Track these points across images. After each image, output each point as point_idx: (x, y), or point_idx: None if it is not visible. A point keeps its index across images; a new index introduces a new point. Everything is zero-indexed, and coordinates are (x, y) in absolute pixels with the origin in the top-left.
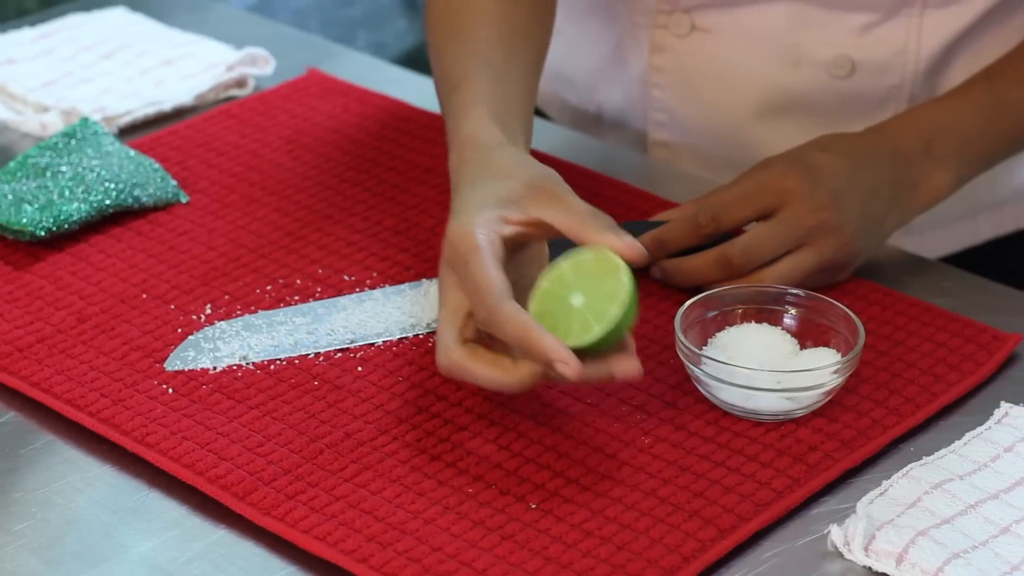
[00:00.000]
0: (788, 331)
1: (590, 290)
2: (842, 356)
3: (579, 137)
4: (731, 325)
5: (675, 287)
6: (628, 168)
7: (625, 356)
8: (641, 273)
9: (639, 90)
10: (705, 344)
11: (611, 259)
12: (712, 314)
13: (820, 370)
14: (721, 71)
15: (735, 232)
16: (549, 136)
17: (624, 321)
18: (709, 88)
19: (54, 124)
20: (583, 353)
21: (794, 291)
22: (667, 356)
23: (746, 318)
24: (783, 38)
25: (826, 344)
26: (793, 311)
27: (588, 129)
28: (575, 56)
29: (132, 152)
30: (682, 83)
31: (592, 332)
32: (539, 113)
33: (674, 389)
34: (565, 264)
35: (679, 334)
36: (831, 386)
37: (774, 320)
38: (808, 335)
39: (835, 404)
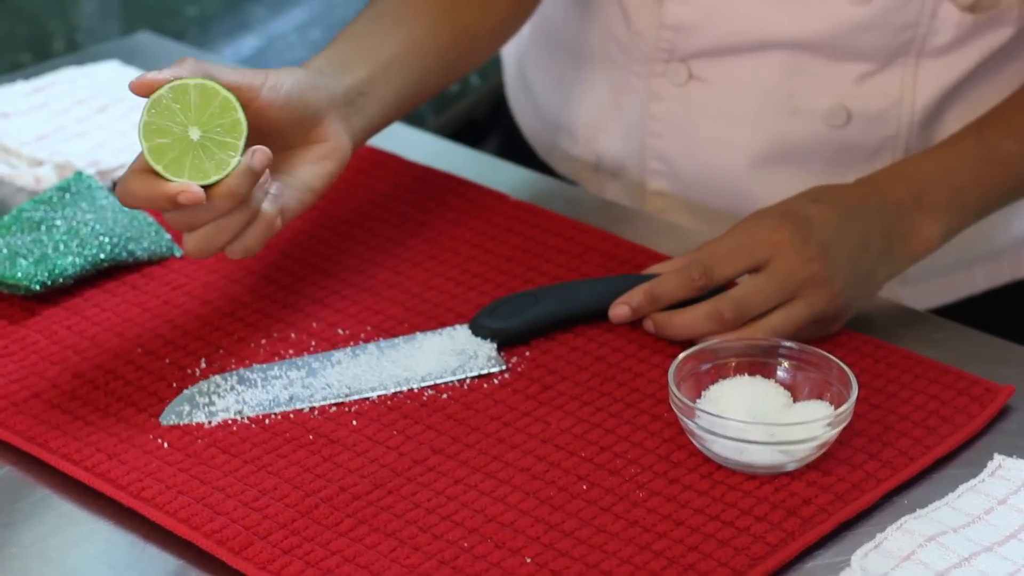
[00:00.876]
0: (781, 384)
1: (205, 122)
2: (835, 409)
3: (575, 190)
4: (724, 378)
5: (668, 340)
6: (622, 221)
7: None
8: (634, 326)
9: (637, 139)
10: (699, 397)
11: (196, 84)
12: (705, 367)
13: (813, 423)
14: (718, 120)
15: (727, 285)
16: (545, 189)
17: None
18: (706, 137)
19: (48, 178)
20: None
21: (787, 344)
22: (661, 410)
23: (739, 371)
24: (780, 88)
25: (819, 397)
26: (786, 364)
27: (588, 178)
28: (575, 105)
29: None
30: (680, 132)
31: (229, 166)
32: (539, 162)
33: (668, 442)
34: (166, 93)
35: (673, 387)
36: (824, 439)
37: (767, 373)
38: (801, 388)
39: (829, 457)
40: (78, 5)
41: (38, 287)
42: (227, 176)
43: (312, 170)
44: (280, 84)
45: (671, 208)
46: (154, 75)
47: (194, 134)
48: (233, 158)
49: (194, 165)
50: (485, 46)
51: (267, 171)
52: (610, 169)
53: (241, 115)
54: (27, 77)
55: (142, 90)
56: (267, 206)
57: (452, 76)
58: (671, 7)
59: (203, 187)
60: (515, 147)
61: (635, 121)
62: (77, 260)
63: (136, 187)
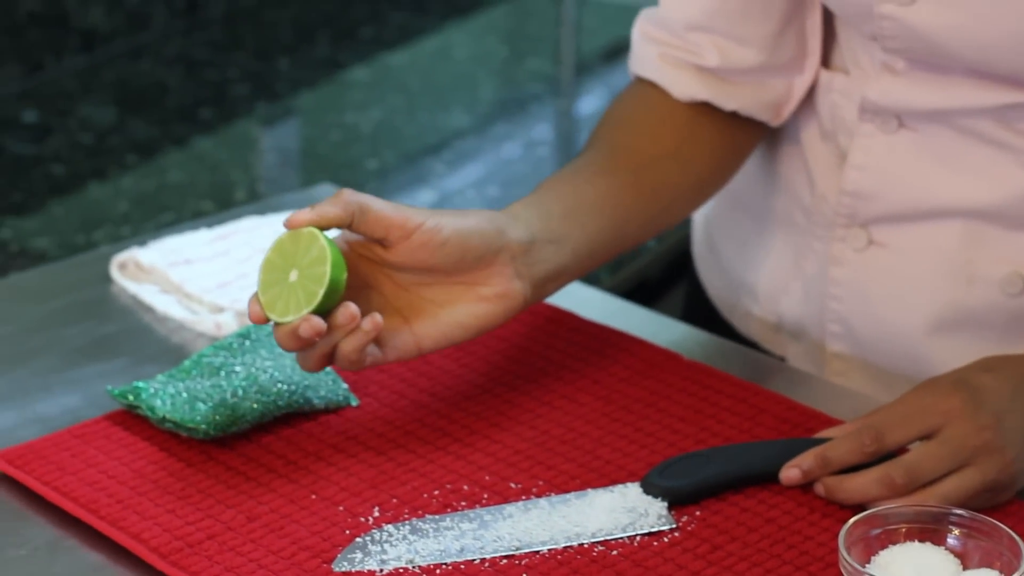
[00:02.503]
0: (951, 551)
1: (303, 267)
2: None
3: (747, 352)
4: (894, 543)
5: (838, 504)
6: (793, 383)
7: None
8: (804, 488)
9: (817, 302)
10: (868, 562)
11: (307, 232)
12: (876, 532)
13: None
14: (896, 285)
15: (898, 451)
16: (717, 349)
17: (337, 273)
18: (884, 302)
19: (228, 325)
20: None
21: (958, 511)
22: (830, 573)
23: (909, 537)
24: (957, 255)
25: (989, 565)
26: (956, 531)
27: (769, 338)
28: (757, 267)
29: None
30: (858, 296)
31: (318, 294)
32: (722, 322)
33: None
34: (271, 252)
35: (843, 551)
36: None
37: (937, 540)
38: (971, 556)
39: None
40: (260, 156)
41: (216, 431)
42: (290, 322)
43: (467, 309)
44: (440, 228)
45: (850, 371)
46: (299, 215)
47: (293, 276)
48: (304, 308)
49: (284, 301)
50: (685, 202)
51: (348, 315)
52: (791, 330)
53: (328, 267)
54: (210, 225)
55: (290, 226)
56: (347, 344)
57: (650, 230)
58: (850, 174)
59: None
60: (698, 307)
61: (815, 284)
62: (255, 406)
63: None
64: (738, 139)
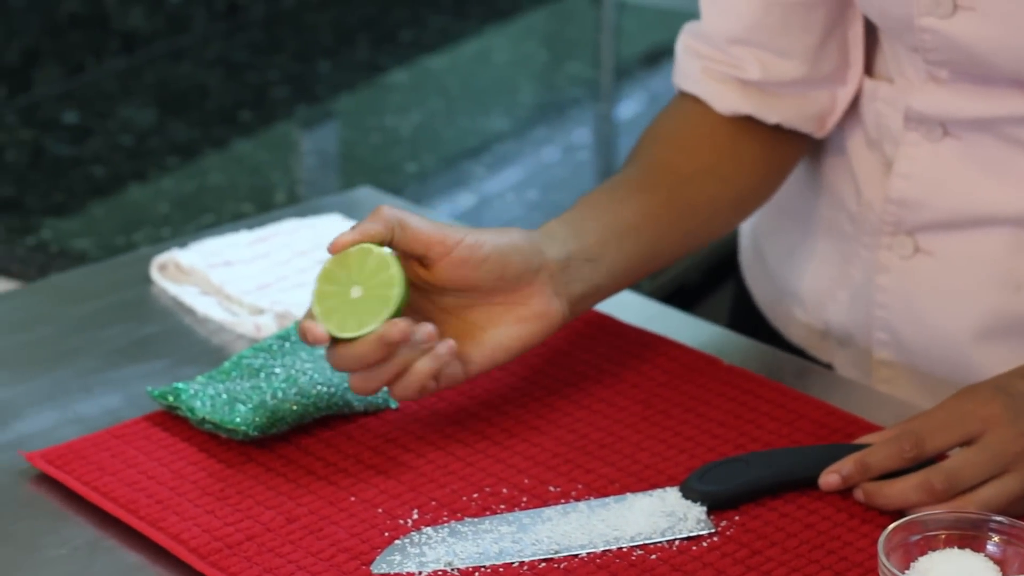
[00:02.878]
0: (991, 558)
1: (364, 279)
2: None
3: (786, 356)
4: (934, 550)
5: (878, 510)
6: (832, 388)
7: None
8: (843, 494)
9: (864, 309)
10: (907, 568)
11: (374, 250)
12: (915, 538)
13: None
14: (943, 293)
15: (938, 456)
16: (756, 354)
17: (405, 294)
18: (931, 309)
19: (268, 326)
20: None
21: (997, 518)
22: None
23: (949, 543)
24: (1004, 262)
25: None
26: (996, 538)
27: (816, 345)
28: (804, 273)
29: None
30: (905, 304)
31: (382, 314)
32: (768, 329)
33: None
34: (330, 263)
35: (882, 557)
36: None
37: (977, 546)
38: (1011, 563)
39: None
40: (300, 158)
41: (256, 433)
42: (366, 333)
43: (509, 331)
44: (480, 244)
45: (897, 378)
46: (344, 238)
47: (355, 292)
48: (383, 312)
49: (350, 317)
50: (724, 218)
51: (427, 332)
52: (838, 337)
53: (395, 271)
54: (250, 227)
55: (335, 250)
56: (423, 364)
57: (687, 246)
58: (896, 182)
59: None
60: (745, 314)
61: (862, 292)
62: (295, 408)
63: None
64: (781, 153)
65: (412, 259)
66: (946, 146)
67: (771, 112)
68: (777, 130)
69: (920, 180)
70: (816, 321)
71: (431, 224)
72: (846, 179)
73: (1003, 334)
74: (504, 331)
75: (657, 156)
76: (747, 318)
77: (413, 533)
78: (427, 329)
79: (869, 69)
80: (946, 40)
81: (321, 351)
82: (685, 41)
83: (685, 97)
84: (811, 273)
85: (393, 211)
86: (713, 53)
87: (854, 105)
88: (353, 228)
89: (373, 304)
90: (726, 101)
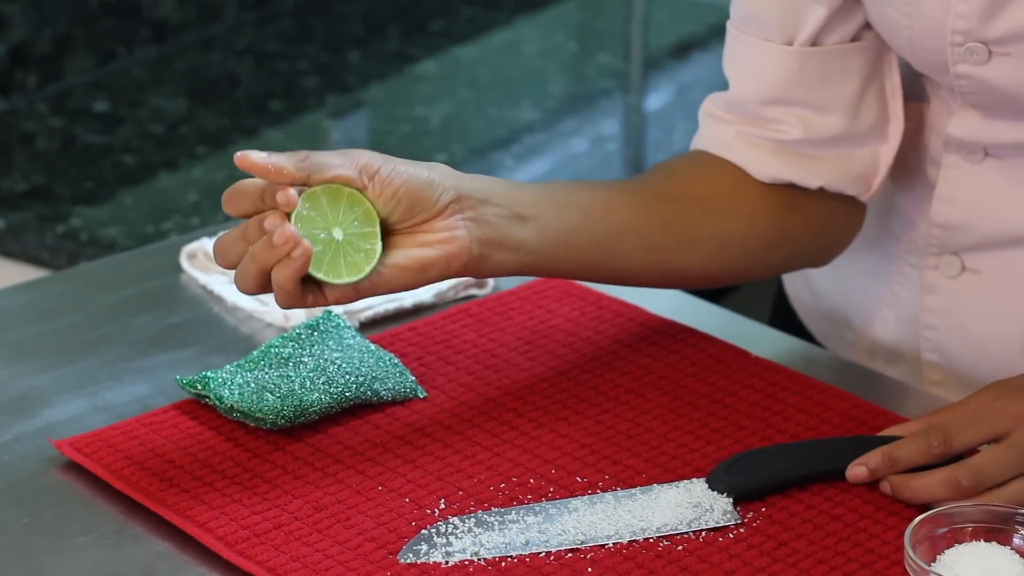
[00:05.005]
0: (1018, 551)
1: (342, 221)
2: None
3: (815, 349)
4: (960, 543)
5: (904, 503)
6: (859, 382)
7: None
8: (870, 487)
9: (912, 329)
10: (934, 561)
11: (338, 188)
12: (942, 531)
13: None
14: (992, 311)
15: (966, 452)
16: (785, 347)
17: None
18: (980, 327)
19: (297, 316)
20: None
21: None
22: (895, 572)
23: (976, 536)
24: None
25: None
26: (1023, 531)
27: (863, 362)
28: (850, 292)
29: (372, 346)
30: (954, 323)
31: (376, 254)
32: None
33: None
34: (302, 204)
35: (908, 550)
36: None
37: (1004, 540)
38: None
39: None
40: (329, 148)
41: (284, 422)
42: (376, 265)
43: (407, 253)
44: (392, 178)
45: (948, 396)
46: (256, 157)
47: (337, 234)
48: (376, 245)
49: (348, 263)
50: (707, 250)
51: (285, 238)
52: (885, 356)
53: (369, 204)
54: None
55: (252, 168)
56: (280, 272)
57: (656, 263)
58: (938, 206)
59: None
60: (786, 325)
61: (909, 312)
62: (323, 397)
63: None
64: (804, 213)
65: None
66: (988, 168)
67: (814, 176)
68: (809, 194)
69: (963, 203)
70: (863, 340)
71: (341, 165)
72: (887, 199)
73: None
74: (403, 253)
75: (647, 178)
76: (788, 329)
77: (440, 523)
78: (286, 233)
79: (905, 92)
80: (983, 84)
81: (350, 340)
82: (711, 111)
83: (700, 151)
84: (856, 291)
85: (302, 157)
86: (745, 120)
87: None
88: (266, 157)
89: (362, 236)
90: (765, 167)
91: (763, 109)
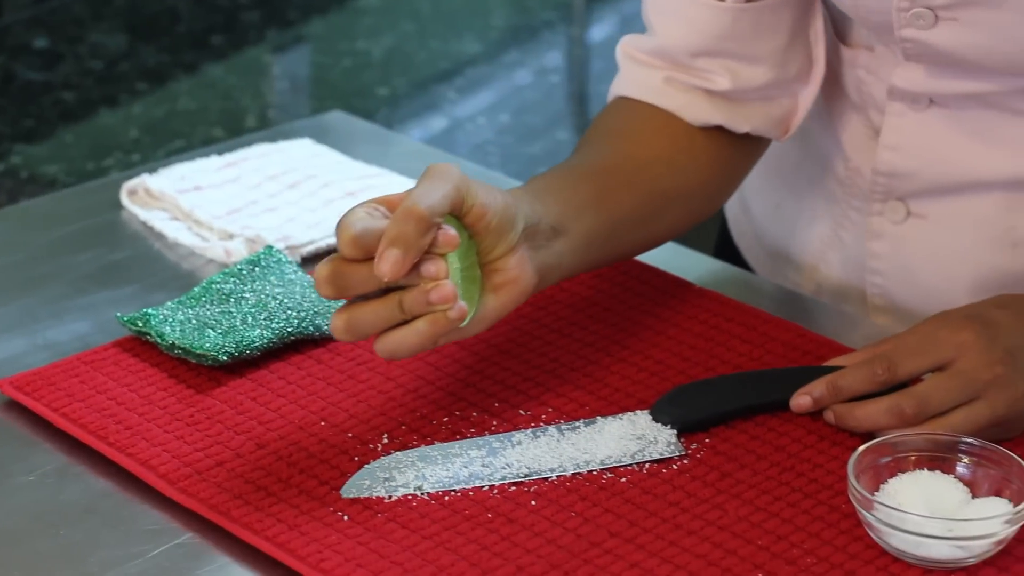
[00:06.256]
0: (961, 479)
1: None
2: (1015, 506)
3: (757, 279)
4: (904, 472)
5: (848, 432)
6: (801, 311)
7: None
8: (814, 416)
9: (857, 273)
10: (877, 490)
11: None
12: (885, 460)
13: (992, 519)
14: (938, 256)
15: (910, 381)
16: (728, 277)
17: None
18: (926, 273)
19: (238, 251)
20: None
21: (967, 440)
22: (839, 501)
23: (919, 465)
24: (999, 222)
25: (998, 494)
26: (966, 460)
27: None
28: (795, 234)
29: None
30: (899, 268)
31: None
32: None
33: (845, 534)
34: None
35: (852, 479)
36: (1003, 536)
37: (947, 468)
38: (980, 484)
39: (1006, 554)
40: (270, 83)
41: (225, 358)
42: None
43: (487, 300)
44: (493, 200)
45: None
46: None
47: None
48: (478, 272)
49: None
50: (678, 212)
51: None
52: (830, 299)
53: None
54: (220, 152)
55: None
56: (425, 323)
57: (643, 236)
58: (883, 154)
59: None
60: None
61: (855, 256)
62: (265, 333)
63: None
64: (739, 154)
65: None
66: (933, 115)
67: (742, 121)
68: (737, 133)
69: (908, 150)
70: (807, 282)
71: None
72: (832, 144)
73: (1000, 292)
74: (482, 302)
75: (611, 146)
76: (733, 262)
77: (383, 458)
78: (448, 289)
79: (845, 38)
80: (929, 47)
81: (291, 275)
82: (632, 54)
83: (628, 99)
84: (800, 234)
85: (462, 179)
86: (674, 67)
87: (834, 71)
88: (430, 196)
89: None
90: (696, 112)
91: (692, 60)
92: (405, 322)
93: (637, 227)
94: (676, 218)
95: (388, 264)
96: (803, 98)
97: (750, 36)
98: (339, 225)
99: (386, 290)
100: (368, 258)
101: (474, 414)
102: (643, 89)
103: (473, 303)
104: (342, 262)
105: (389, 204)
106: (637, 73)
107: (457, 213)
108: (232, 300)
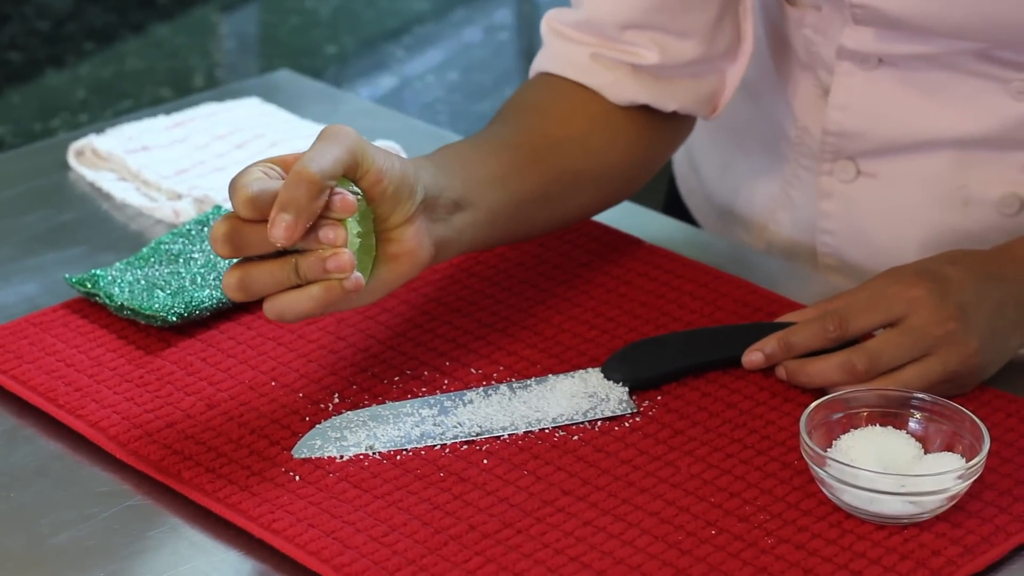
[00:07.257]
0: (913, 435)
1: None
2: (967, 461)
3: (708, 236)
4: (856, 428)
5: (799, 388)
6: (753, 268)
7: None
8: (766, 373)
9: (808, 232)
10: (829, 446)
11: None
12: (837, 416)
13: (944, 475)
14: (888, 214)
15: (861, 337)
16: (679, 234)
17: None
18: (877, 231)
19: (187, 211)
20: None
21: (920, 395)
22: (791, 457)
23: (871, 421)
24: (950, 180)
25: (951, 449)
26: (918, 415)
27: None
28: (744, 193)
29: None
30: (850, 227)
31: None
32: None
33: (798, 490)
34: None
35: (804, 435)
36: (955, 491)
37: (899, 424)
38: (933, 440)
39: (959, 509)
40: (218, 42)
41: (175, 319)
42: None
43: (380, 271)
44: (390, 166)
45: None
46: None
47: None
48: (373, 241)
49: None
50: (588, 194)
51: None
52: (781, 258)
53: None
54: (167, 111)
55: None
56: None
57: (549, 217)
58: (833, 114)
59: None
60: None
61: (805, 215)
62: (214, 293)
63: None
64: (661, 137)
65: None
66: (882, 74)
67: (669, 99)
68: (662, 114)
69: (857, 110)
70: (758, 242)
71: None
72: (781, 103)
73: (949, 249)
74: (374, 273)
75: (525, 122)
76: (682, 219)
77: (334, 417)
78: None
79: None
80: (877, 12)
81: None
82: (558, 29)
83: (550, 75)
84: (750, 193)
85: (352, 140)
86: (601, 41)
87: (781, 30)
88: (321, 162)
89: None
90: (621, 90)
91: (620, 32)
92: (299, 285)
93: (544, 206)
94: (587, 199)
95: (280, 229)
96: (730, 75)
97: (680, 9)
98: (233, 185)
99: (282, 251)
100: (264, 219)
101: (425, 373)
102: (568, 66)
103: (366, 273)
104: (239, 221)
105: (284, 164)
106: (563, 49)
107: (352, 177)
108: (181, 260)
